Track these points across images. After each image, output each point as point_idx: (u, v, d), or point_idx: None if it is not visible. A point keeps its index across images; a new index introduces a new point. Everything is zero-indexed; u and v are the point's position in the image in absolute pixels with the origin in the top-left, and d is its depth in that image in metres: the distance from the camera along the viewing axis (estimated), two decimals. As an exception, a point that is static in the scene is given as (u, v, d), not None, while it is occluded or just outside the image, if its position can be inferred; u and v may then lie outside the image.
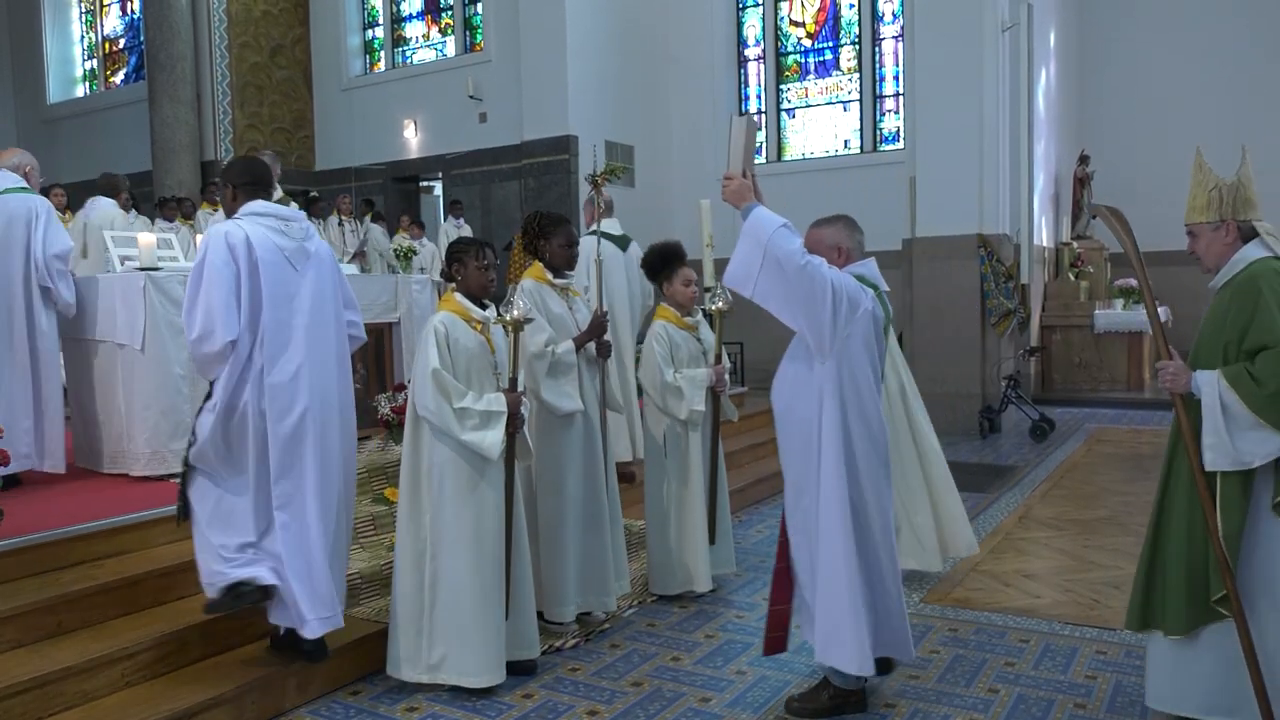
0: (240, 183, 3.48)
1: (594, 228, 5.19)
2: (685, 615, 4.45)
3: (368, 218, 11.87)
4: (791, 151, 13.18)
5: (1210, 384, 2.89)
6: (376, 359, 5.85)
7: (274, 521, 3.29)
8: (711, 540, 4.64)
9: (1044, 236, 12.06)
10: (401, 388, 5.39)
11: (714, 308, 4.70)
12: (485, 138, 12.79)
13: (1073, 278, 12.02)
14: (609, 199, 6.49)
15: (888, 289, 3.29)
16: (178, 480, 3.46)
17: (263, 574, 3.26)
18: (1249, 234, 3.03)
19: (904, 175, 10.85)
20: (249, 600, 3.27)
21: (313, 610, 3.30)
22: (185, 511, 3.37)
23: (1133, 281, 11.89)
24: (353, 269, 6.50)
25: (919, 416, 4.75)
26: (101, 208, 8.01)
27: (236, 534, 3.28)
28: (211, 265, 3.23)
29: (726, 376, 4.68)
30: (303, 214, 3.55)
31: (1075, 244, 12.42)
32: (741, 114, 2.87)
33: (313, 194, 11.69)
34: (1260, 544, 2.89)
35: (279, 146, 14.26)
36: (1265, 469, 2.87)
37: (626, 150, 12.22)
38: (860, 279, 3.19)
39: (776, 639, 3.44)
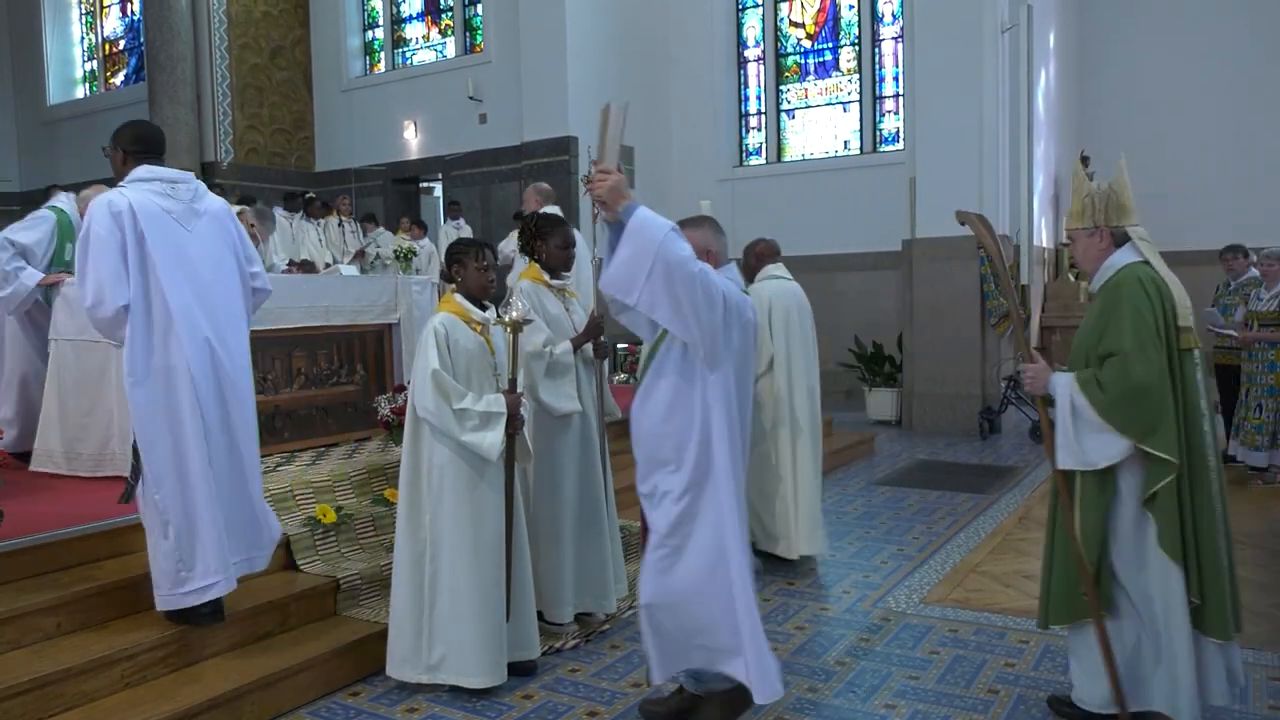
0: (130, 149, 3.53)
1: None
2: (685, 616, 4.44)
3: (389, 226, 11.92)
4: (791, 152, 13.19)
5: (1064, 387, 3.01)
6: (376, 360, 5.86)
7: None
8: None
9: (1044, 237, 12.07)
10: (401, 389, 5.39)
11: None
12: (485, 139, 12.80)
13: (1072, 278, 12.02)
14: (545, 187, 6.74)
15: (746, 293, 3.10)
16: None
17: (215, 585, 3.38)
18: (1122, 239, 3.13)
19: (904, 176, 10.86)
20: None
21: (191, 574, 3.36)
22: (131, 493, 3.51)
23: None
24: (353, 270, 6.50)
25: (802, 416, 5.04)
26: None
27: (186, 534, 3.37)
28: (96, 236, 3.30)
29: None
30: (191, 175, 3.61)
31: (1075, 245, 12.43)
32: (622, 103, 2.79)
33: (309, 194, 11.69)
34: (1130, 541, 3.01)
35: (279, 147, 14.27)
36: (1133, 468, 2.97)
37: (626, 151, 12.21)
38: (739, 286, 3.08)
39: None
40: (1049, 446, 3.07)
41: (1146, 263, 3.05)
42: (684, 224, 3.01)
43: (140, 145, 3.54)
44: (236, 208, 5.70)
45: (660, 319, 2.86)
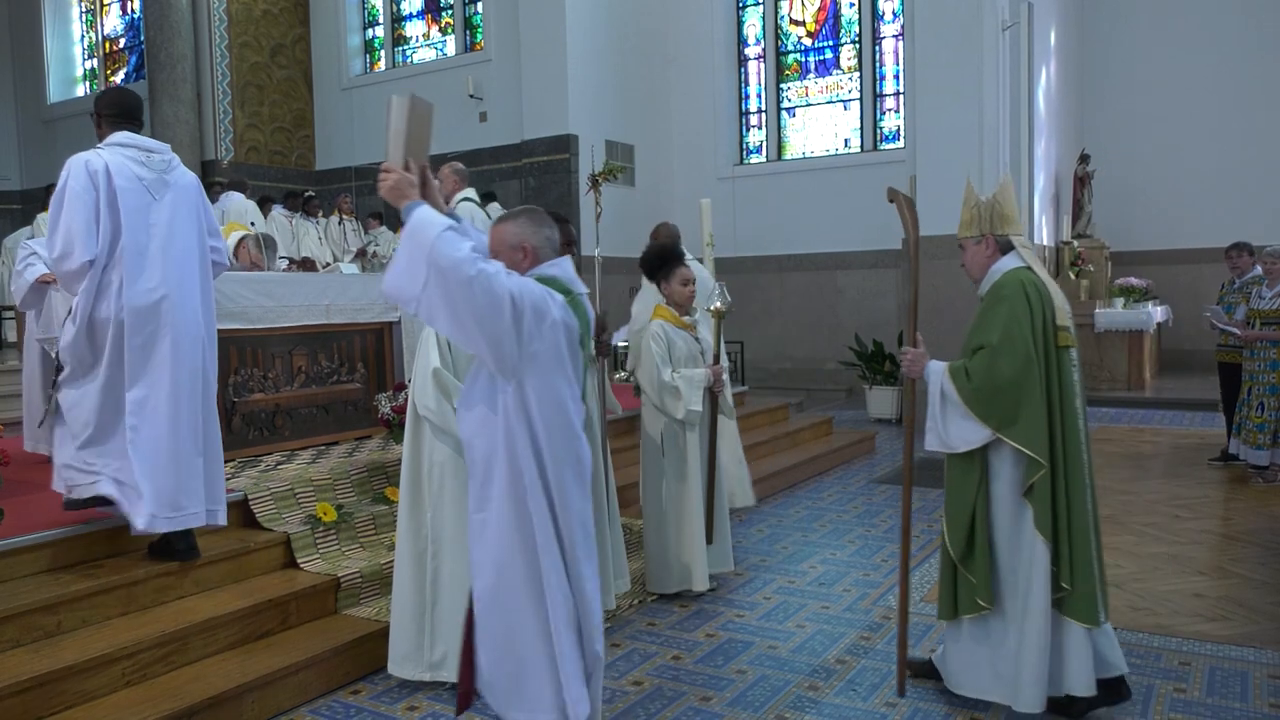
0: (108, 114, 3.71)
1: (461, 196, 5.90)
2: (685, 614, 4.45)
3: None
4: (792, 150, 13.18)
5: (936, 374, 3.23)
6: (377, 358, 5.86)
7: (125, 426, 3.54)
8: (709, 539, 4.64)
9: (1044, 235, 12.06)
10: (402, 387, 5.40)
11: (712, 308, 4.70)
12: (485, 137, 12.79)
13: (1073, 276, 12.02)
14: (462, 168, 6.92)
15: (585, 290, 2.81)
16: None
17: (107, 489, 3.57)
18: (1007, 247, 3.33)
19: (904, 174, 10.84)
20: (95, 504, 3.68)
21: (158, 507, 3.54)
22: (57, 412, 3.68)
23: (1134, 280, 11.90)
24: (354, 268, 6.50)
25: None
26: (236, 201, 8.36)
27: (95, 446, 3.57)
28: (72, 190, 3.49)
29: (725, 376, 4.67)
30: (167, 146, 3.79)
31: (1076, 243, 12.42)
32: (406, 95, 2.73)
33: (308, 193, 11.68)
34: (1009, 530, 3.17)
35: (279, 146, 14.26)
36: (1011, 462, 3.15)
37: (627, 149, 12.22)
38: (550, 282, 2.67)
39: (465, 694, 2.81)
40: (909, 428, 3.36)
41: (1029, 268, 3.26)
42: (500, 218, 2.79)
43: (117, 110, 3.71)
44: (238, 234, 5.84)
45: (441, 330, 2.60)
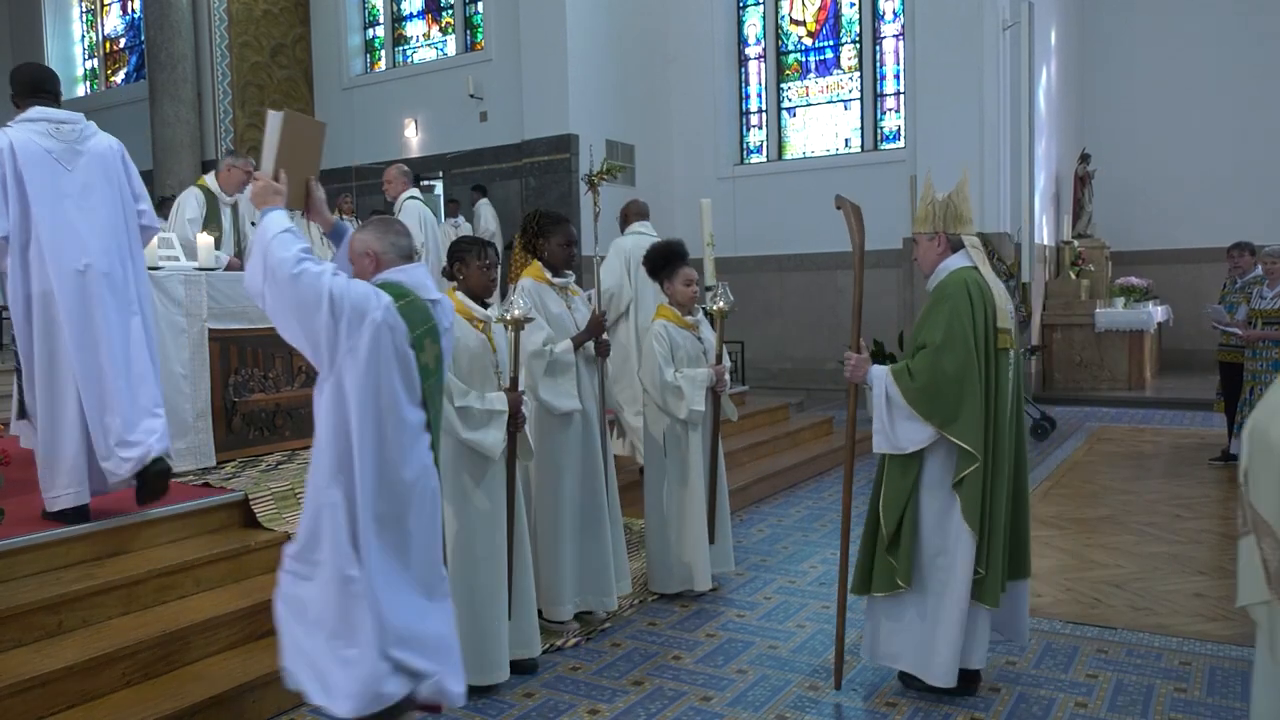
0: (19, 91, 3.78)
1: (407, 195, 6.26)
2: (686, 614, 4.45)
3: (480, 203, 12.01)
4: (792, 150, 13.17)
5: (880, 378, 3.31)
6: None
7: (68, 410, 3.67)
8: (711, 539, 4.64)
9: (1045, 235, 12.06)
10: (402, 387, 5.39)
11: (715, 307, 4.69)
12: (486, 137, 12.78)
13: (1074, 276, 12.02)
14: (406, 168, 7.39)
15: (436, 297, 2.85)
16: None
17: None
18: (958, 245, 3.41)
19: (904, 174, 10.85)
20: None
21: (52, 487, 3.71)
22: (22, 412, 3.85)
23: (1134, 280, 11.90)
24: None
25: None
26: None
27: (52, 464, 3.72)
28: None
29: (727, 376, 4.67)
30: (81, 116, 3.82)
31: (1076, 242, 12.43)
32: (283, 112, 2.97)
33: None
34: (937, 520, 3.31)
35: (280, 146, 14.26)
36: (941, 457, 3.27)
37: (627, 149, 12.21)
38: (391, 286, 2.74)
39: None
40: (850, 431, 3.48)
41: (975, 268, 3.35)
42: (358, 228, 2.95)
43: (27, 88, 3.77)
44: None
45: (279, 326, 2.77)
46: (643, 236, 6.03)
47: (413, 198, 7.08)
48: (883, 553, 3.38)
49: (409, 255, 2.89)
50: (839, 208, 3.46)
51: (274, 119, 2.88)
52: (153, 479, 3.78)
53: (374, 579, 2.63)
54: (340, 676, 2.61)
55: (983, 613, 3.34)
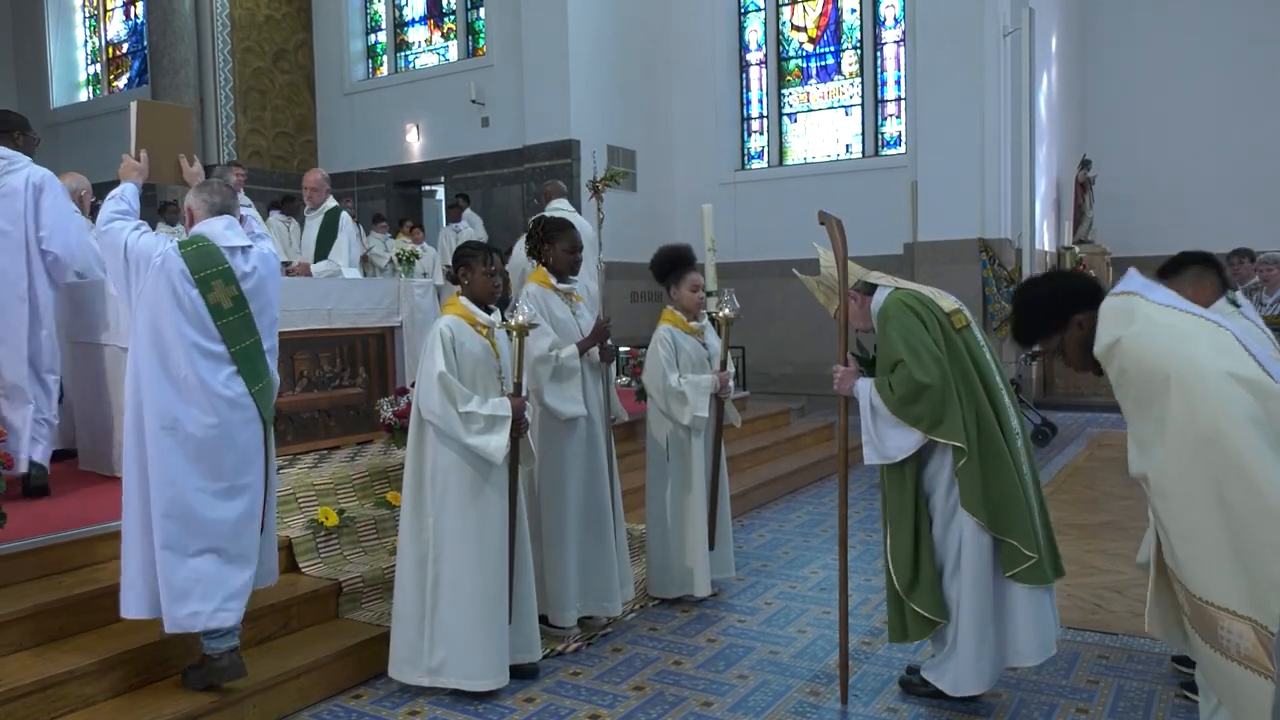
0: None
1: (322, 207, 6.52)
2: (687, 619, 4.45)
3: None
4: (793, 156, 13.19)
5: (864, 390, 3.35)
6: (379, 363, 5.86)
7: None
8: (711, 545, 4.64)
9: (1046, 241, 12.07)
10: (403, 391, 5.40)
11: (721, 314, 4.69)
12: (487, 142, 12.81)
13: (1074, 282, 12.01)
14: (319, 179, 7.61)
15: (247, 243, 3.33)
16: None
17: None
18: (869, 288, 3.51)
19: (905, 180, 10.87)
20: None
21: None
22: None
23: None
24: (355, 273, 6.50)
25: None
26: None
27: None
28: None
29: (731, 383, 4.68)
30: (11, 153, 4.39)
31: (1077, 248, 12.43)
32: (137, 101, 3.63)
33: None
34: (943, 520, 3.29)
35: (281, 151, 14.28)
36: (935, 460, 3.27)
37: (628, 155, 12.23)
38: (195, 237, 3.30)
39: None
40: (841, 440, 3.46)
41: (894, 288, 3.43)
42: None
43: None
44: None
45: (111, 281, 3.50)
46: (564, 214, 6.27)
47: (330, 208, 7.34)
48: (905, 598, 3.30)
49: (219, 210, 3.38)
50: (823, 223, 3.51)
51: (132, 109, 3.57)
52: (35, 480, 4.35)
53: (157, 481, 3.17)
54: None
55: (1021, 595, 3.24)
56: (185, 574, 3.12)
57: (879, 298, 3.46)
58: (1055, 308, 2.63)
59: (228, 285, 3.22)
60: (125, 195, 3.38)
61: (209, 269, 3.20)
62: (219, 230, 3.30)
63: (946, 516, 3.29)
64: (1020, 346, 2.87)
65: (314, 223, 6.69)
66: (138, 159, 3.52)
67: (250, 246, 3.34)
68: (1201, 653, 2.33)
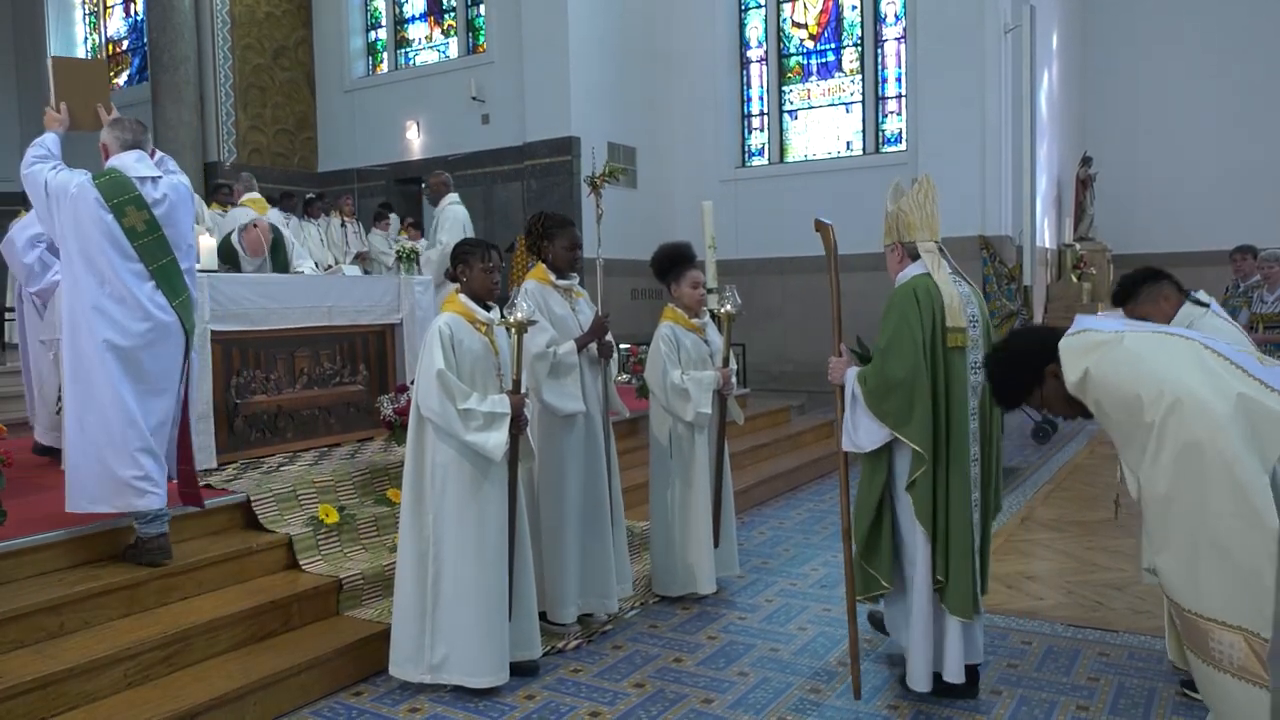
0: None
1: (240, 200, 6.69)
2: (688, 617, 4.45)
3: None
4: (794, 153, 13.17)
5: (850, 379, 3.37)
6: (379, 360, 5.86)
7: None
8: (715, 542, 4.64)
9: (1046, 238, 12.06)
10: (404, 389, 5.40)
11: (723, 311, 4.69)
12: (487, 139, 12.79)
13: (1075, 279, 12.02)
14: (247, 177, 8.47)
15: (156, 174, 3.76)
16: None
17: None
18: (915, 253, 3.47)
19: (906, 177, 10.83)
20: None
21: None
22: None
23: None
24: (355, 270, 6.50)
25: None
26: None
27: None
28: None
29: (734, 379, 4.67)
30: None
31: (1078, 246, 12.43)
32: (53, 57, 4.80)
33: (310, 195, 11.67)
34: (909, 521, 3.32)
35: (281, 148, 14.26)
36: (906, 457, 3.28)
37: (629, 152, 12.22)
38: (108, 170, 3.71)
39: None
40: (839, 434, 3.43)
41: (928, 275, 3.38)
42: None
43: None
44: (250, 214, 6.22)
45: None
46: (457, 207, 7.55)
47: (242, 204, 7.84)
48: (859, 559, 3.42)
49: (130, 145, 3.80)
50: (819, 230, 3.59)
51: (49, 65, 4.02)
52: None
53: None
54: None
55: (953, 624, 3.30)
56: (123, 467, 3.56)
57: (909, 271, 3.45)
58: (1024, 365, 2.68)
59: (140, 210, 3.66)
60: (46, 143, 3.78)
61: (121, 196, 3.63)
62: (129, 163, 3.74)
63: (911, 514, 3.33)
64: (1006, 409, 2.88)
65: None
66: (58, 111, 3.89)
67: (160, 177, 3.77)
68: (1197, 669, 2.33)
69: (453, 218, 7.91)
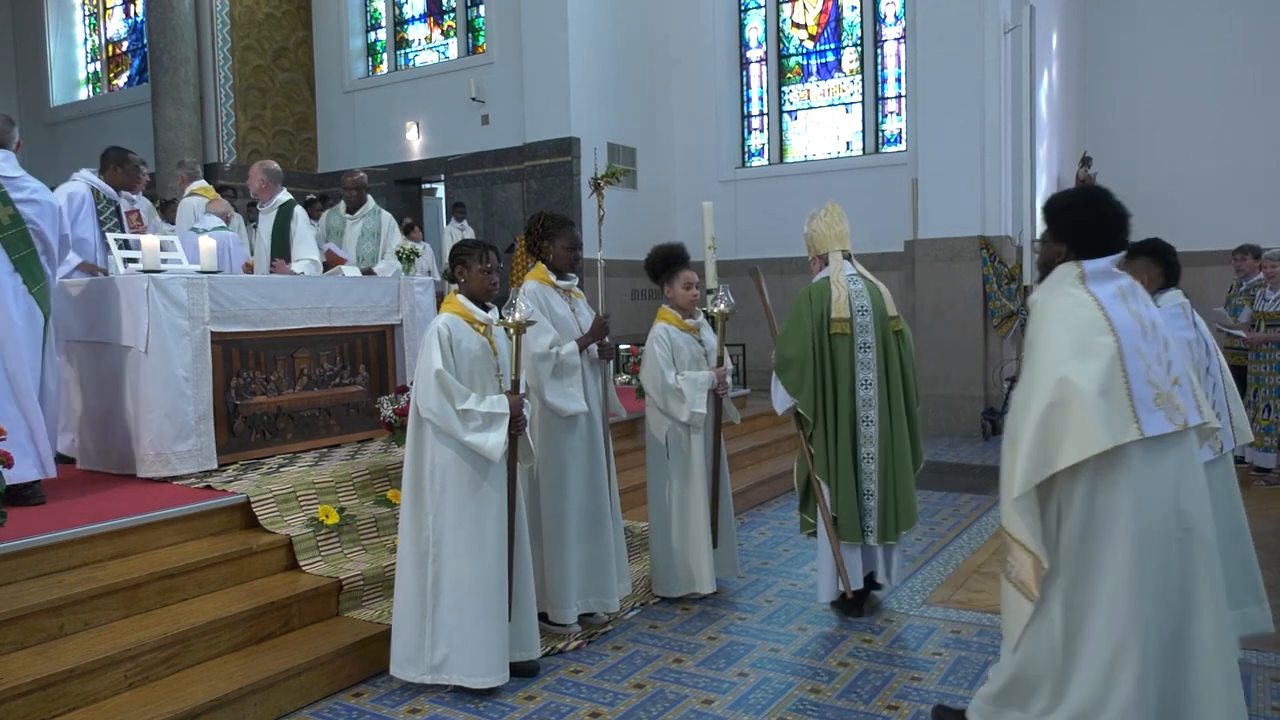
0: None
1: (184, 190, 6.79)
2: (688, 617, 4.45)
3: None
4: (794, 153, 13.18)
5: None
6: (379, 361, 5.86)
7: None
8: (714, 543, 4.64)
9: (1046, 238, 12.03)
10: (404, 389, 5.39)
11: (716, 310, 4.70)
12: (487, 140, 12.79)
13: (1075, 279, 12.00)
14: (192, 163, 8.56)
15: (20, 173, 4.19)
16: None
17: None
18: (827, 263, 4.36)
19: (906, 177, 10.85)
20: None
21: None
22: None
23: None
24: (355, 271, 6.48)
25: None
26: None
27: None
28: None
29: (729, 379, 4.67)
30: None
31: (1078, 246, 12.40)
32: None
33: (311, 196, 11.68)
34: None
35: (281, 149, 14.27)
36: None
37: (629, 152, 12.22)
38: None
39: None
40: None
41: (826, 279, 4.26)
42: None
43: None
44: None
45: None
46: (197, 199, 7.58)
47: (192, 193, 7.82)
48: (799, 508, 4.39)
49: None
50: (752, 274, 4.69)
51: None
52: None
53: None
54: None
55: (852, 547, 4.21)
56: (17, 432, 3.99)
57: (816, 278, 4.35)
58: (1074, 228, 2.85)
59: (5, 205, 4.10)
60: None
61: None
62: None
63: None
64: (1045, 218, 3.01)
65: (267, 219, 6.42)
66: None
67: (22, 176, 4.21)
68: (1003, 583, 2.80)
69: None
